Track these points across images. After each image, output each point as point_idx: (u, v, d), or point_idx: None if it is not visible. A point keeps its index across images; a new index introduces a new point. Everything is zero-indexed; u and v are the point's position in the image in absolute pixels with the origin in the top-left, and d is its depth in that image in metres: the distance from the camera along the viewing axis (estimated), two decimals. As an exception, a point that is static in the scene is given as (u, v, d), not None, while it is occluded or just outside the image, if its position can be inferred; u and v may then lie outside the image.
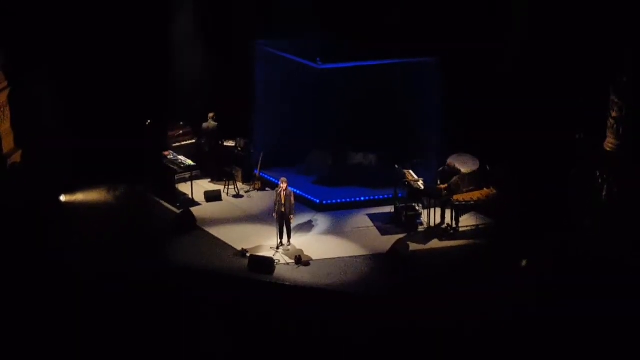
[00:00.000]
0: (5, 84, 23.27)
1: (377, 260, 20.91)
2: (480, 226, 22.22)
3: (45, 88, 23.97)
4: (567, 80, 22.33)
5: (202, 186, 24.62)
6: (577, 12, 22.20)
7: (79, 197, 23.67)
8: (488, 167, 22.84)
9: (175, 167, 23.98)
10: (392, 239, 21.62)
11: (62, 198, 23.37)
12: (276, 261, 20.65)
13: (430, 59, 23.39)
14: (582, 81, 21.86)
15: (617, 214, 20.41)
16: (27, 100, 23.78)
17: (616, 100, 20.73)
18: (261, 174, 24.54)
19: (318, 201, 23.54)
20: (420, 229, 22.38)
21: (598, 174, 20.88)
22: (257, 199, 24.16)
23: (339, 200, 23.63)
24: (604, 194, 20.71)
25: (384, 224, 22.64)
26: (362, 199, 23.72)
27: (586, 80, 21.70)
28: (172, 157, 24.36)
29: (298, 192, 23.00)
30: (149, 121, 24.65)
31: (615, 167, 20.63)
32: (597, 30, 21.55)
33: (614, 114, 20.78)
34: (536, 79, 23.11)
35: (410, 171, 23.17)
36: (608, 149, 20.95)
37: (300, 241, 21.70)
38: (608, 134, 20.96)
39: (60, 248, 20.90)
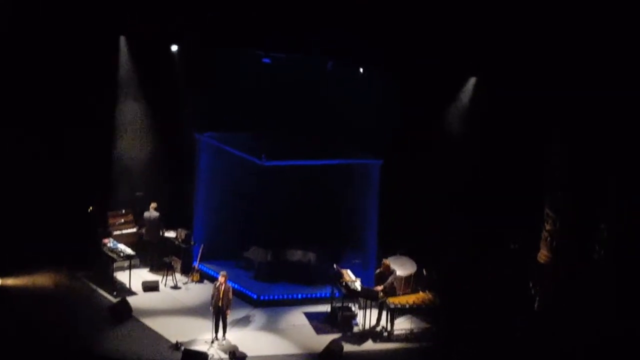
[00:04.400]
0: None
1: (311, 359, 20.91)
2: (414, 330, 22.34)
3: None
4: (504, 193, 22.88)
5: (141, 276, 24.54)
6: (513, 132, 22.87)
7: (15, 281, 23.41)
8: (425, 271, 23.12)
9: (114, 255, 23.85)
10: (327, 338, 21.60)
11: (-2, 282, 23.17)
12: (210, 356, 20.46)
13: (373, 161, 23.87)
14: (518, 194, 22.45)
15: (549, 326, 20.79)
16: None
17: (550, 213, 21.32)
18: (200, 266, 24.59)
19: (255, 297, 23.56)
20: (356, 329, 22.48)
21: (531, 285, 21.33)
22: (195, 292, 24.10)
23: (276, 297, 23.69)
24: (536, 305, 21.14)
25: (319, 323, 22.71)
26: (299, 296, 23.82)
27: (522, 194, 22.32)
28: (111, 244, 24.23)
29: (236, 286, 23.05)
30: (90, 208, 24.62)
31: (548, 279, 21.09)
32: (532, 146, 22.20)
33: (547, 227, 21.35)
34: (477, 194, 23.67)
35: (348, 271, 23.31)
36: (541, 262, 21.44)
37: (236, 336, 21.61)
38: (542, 246, 21.48)
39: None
